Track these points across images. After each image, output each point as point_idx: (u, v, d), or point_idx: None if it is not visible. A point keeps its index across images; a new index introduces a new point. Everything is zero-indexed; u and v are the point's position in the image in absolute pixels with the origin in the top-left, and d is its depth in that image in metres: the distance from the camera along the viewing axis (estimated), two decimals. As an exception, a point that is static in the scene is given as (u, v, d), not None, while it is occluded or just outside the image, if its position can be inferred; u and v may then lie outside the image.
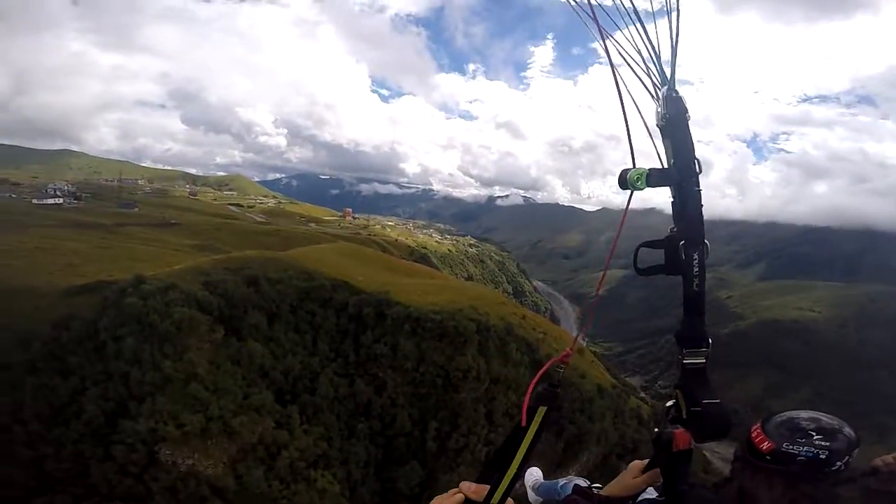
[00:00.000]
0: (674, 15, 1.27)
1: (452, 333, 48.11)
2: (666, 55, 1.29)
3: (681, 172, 1.27)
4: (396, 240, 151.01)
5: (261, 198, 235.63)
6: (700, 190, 1.30)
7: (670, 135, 1.27)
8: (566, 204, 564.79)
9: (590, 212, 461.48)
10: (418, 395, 48.73)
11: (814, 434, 1.49)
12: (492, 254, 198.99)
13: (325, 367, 49.39)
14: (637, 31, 1.28)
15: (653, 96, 1.28)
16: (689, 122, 1.28)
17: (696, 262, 1.30)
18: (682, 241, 1.31)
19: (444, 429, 47.23)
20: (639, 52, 1.29)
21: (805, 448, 1.47)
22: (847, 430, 1.52)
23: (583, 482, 2.64)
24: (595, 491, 1.94)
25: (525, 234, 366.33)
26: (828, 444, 1.47)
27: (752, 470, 1.56)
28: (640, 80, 1.28)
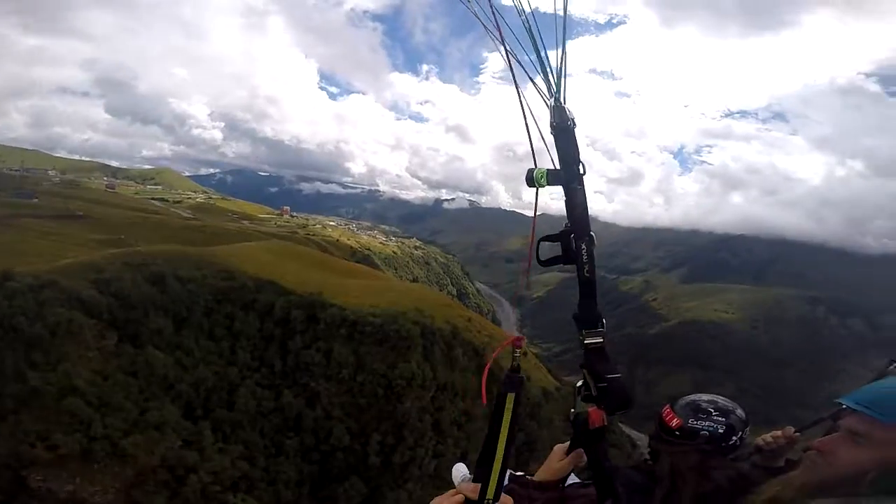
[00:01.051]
0: (559, 30, 1.37)
1: (394, 338, 43.25)
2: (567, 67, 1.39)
3: (567, 174, 1.37)
4: (337, 240, 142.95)
5: (190, 193, 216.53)
6: (582, 189, 1.39)
7: (557, 140, 1.37)
8: (509, 209, 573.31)
9: (530, 216, 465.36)
10: (357, 405, 43.31)
11: (712, 412, 1.81)
12: (437, 256, 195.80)
13: (246, 377, 42.63)
14: (534, 43, 1.37)
15: (547, 105, 1.37)
16: (576, 130, 1.38)
17: (585, 252, 1.39)
18: (573, 234, 1.39)
19: (388, 441, 42.23)
20: (536, 63, 1.38)
21: (706, 423, 1.77)
22: (739, 410, 1.85)
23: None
24: (528, 478, 1.93)
25: (470, 237, 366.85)
26: (724, 420, 1.78)
27: (665, 444, 1.80)
28: (537, 90, 1.38)
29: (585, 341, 1.42)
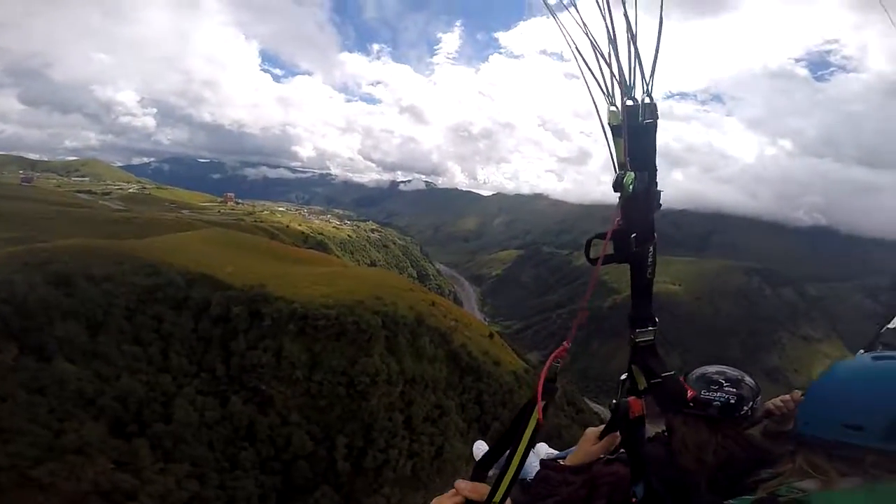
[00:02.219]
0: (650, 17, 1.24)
1: (353, 331, 38.78)
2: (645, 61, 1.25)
3: (651, 175, 1.29)
4: (287, 226, 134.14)
5: (121, 183, 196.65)
6: (661, 191, 1.33)
7: (640, 140, 1.25)
8: (465, 189, 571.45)
9: (485, 196, 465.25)
10: (316, 408, 38.78)
11: (724, 383, 1.79)
12: (395, 238, 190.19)
13: (183, 385, 36.89)
14: (611, 36, 1.21)
15: (606, 95, 1.25)
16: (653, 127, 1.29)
17: (651, 253, 1.36)
18: (634, 234, 1.32)
19: (357, 444, 38.21)
20: (608, 56, 1.24)
21: (718, 394, 1.76)
22: (748, 379, 1.83)
23: (544, 453, 2.92)
24: (560, 462, 1.95)
25: (427, 218, 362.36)
26: (735, 390, 1.78)
27: (682, 416, 1.81)
28: (600, 84, 1.23)
29: (637, 339, 1.43)
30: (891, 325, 2.33)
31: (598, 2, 1.17)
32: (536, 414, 1.22)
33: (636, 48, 1.18)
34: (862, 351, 1.92)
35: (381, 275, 69.36)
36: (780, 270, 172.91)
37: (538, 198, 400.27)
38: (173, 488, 31.65)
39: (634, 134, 1.23)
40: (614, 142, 1.26)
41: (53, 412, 30.52)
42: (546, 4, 1.20)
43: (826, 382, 1.31)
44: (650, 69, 1.21)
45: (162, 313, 37.55)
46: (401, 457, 38.10)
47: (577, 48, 1.20)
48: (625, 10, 1.17)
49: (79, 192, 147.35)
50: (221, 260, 47.21)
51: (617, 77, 1.21)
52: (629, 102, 1.21)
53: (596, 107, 1.23)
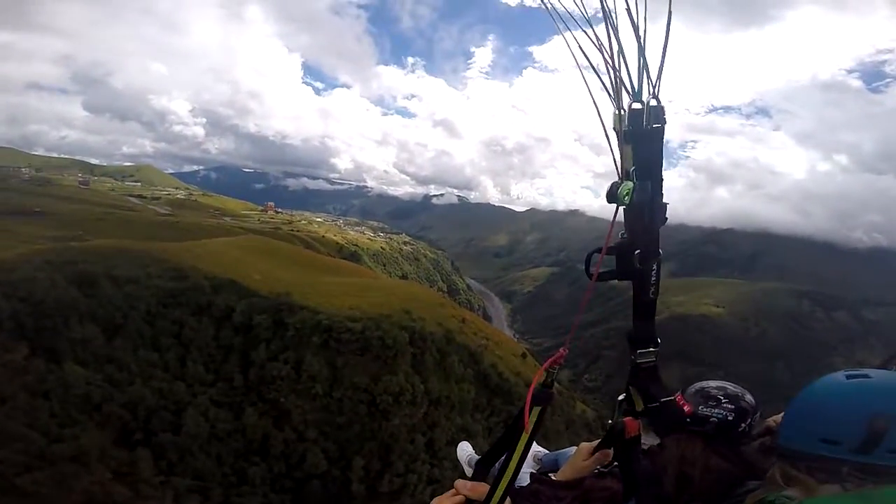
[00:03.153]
0: (659, 20, 1.15)
1: (378, 346, 35.55)
2: (652, 63, 1.17)
3: (654, 186, 1.18)
4: (323, 236, 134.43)
5: (170, 189, 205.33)
6: (668, 203, 1.23)
7: (644, 146, 1.16)
8: (497, 204, 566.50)
9: (518, 212, 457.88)
10: (335, 425, 35.60)
11: (722, 399, 1.71)
12: (426, 252, 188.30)
13: (198, 394, 34.57)
14: (612, 40, 1.14)
15: (612, 100, 1.17)
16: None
17: (655, 271, 1.27)
18: (637, 251, 1.23)
19: (374, 467, 34.74)
20: (612, 59, 1.16)
21: (716, 411, 1.68)
22: (748, 396, 1.74)
23: (535, 453, 2.79)
24: (551, 476, 1.91)
25: (459, 232, 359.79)
26: (733, 407, 1.69)
27: (683, 436, 1.71)
28: (607, 88, 1.16)
29: (638, 361, 1.37)
30: None
31: (602, 2, 1.07)
32: (532, 417, 1.20)
33: (643, 47, 1.09)
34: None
35: (411, 288, 66.28)
36: (833, 293, 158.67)
37: (573, 214, 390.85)
38: (173, 502, 29.22)
39: (639, 140, 1.13)
40: (621, 148, 1.16)
41: (55, 417, 28.70)
42: (544, 4, 1.12)
43: (804, 399, 1.33)
44: (657, 71, 1.11)
45: (183, 318, 35.68)
46: (420, 482, 34.23)
47: (579, 46, 1.11)
48: (627, 6, 1.06)
49: (130, 195, 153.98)
50: (251, 267, 45.43)
51: (622, 79, 1.11)
52: (636, 105, 1.11)
53: (598, 110, 1.13)
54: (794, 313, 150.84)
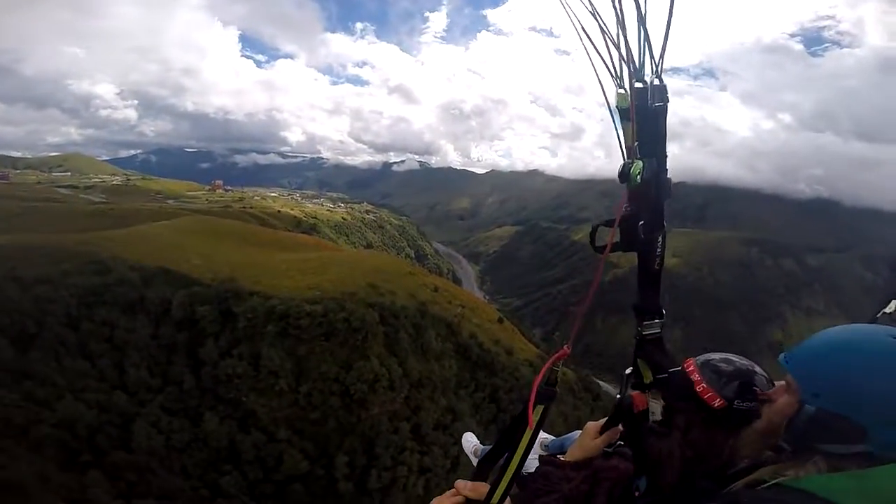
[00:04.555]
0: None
1: (344, 329, 31.77)
2: (655, 43, 1.18)
3: (660, 162, 1.21)
4: (279, 211, 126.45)
5: (104, 176, 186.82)
6: (671, 178, 1.25)
7: (649, 124, 1.18)
8: (459, 167, 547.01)
9: (480, 174, 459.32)
10: (308, 421, 32.13)
11: (734, 375, 1.58)
12: (391, 219, 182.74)
13: (146, 403, 29.99)
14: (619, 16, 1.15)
15: (613, 77, 1.19)
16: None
17: (660, 243, 1.28)
18: (642, 223, 1.24)
19: (359, 462, 31.71)
20: (616, 36, 1.18)
21: (728, 388, 1.56)
22: (758, 369, 1.60)
23: (542, 439, 2.64)
24: (559, 457, 1.85)
25: (422, 198, 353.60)
26: (741, 385, 1.56)
27: (687, 413, 1.64)
28: (608, 65, 1.17)
29: (644, 332, 1.37)
30: (888, 309, 1.97)
31: None
32: (535, 415, 1.21)
33: (645, 28, 1.10)
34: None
35: (375, 258, 61.98)
36: (779, 241, 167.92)
37: (533, 174, 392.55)
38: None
39: (643, 118, 1.15)
40: (622, 126, 1.18)
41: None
42: None
43: (799, 358, 1.25)
44: (660, 49, 1.12)
45: (113, 318, 30.35)
46: (411, 473, 31.76)
47: (582, 28, 1.12)
48: None
49: (59, 186, 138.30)
50: (191, 251, 39.74)
51: (625, 58, 1.13)
52: (638, 85, 1.14)
53: (603, 90, 1.16)
54: (745, 260, 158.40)
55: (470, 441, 3.74)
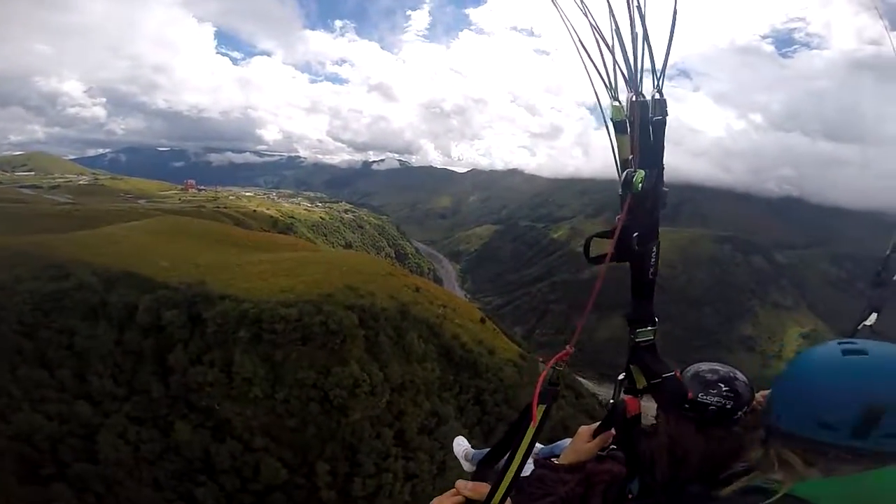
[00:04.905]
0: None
1: (321, 333, 30.66)
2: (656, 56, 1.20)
3: (659, 174, 1.23)
4: (255, 211, 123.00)
5: (71, 176, 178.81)
6: (667, 190, 1.28)
7: (649, 137, 1.20)
8: (439, 166, 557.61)
9: (460, 173, 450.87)
10: (286, 428, 30.87)
11: (722, 386, 1.64)
12: (370, 219, 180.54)
13: (111, 413, 28.28)
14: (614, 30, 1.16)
15: (608, 89, 1.18)
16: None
17: (654, 254, 1.31)
18: (636, 234, 1.26)
19: (341, 470, 30.63)
20: (612, 48, 1.18)
21: (715, 399, 1.63)
22: (741, 376, 1.67)
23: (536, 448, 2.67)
24: (553, 460, 1.92)
25: (402, 197, 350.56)
26: (732, 394, 1.64)
27: (676, 418, 1.70)
28: (603, 77, 1.17)
29: (637, 339, 1.39)
30: (868, 322, 2.03)
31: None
32: (537, 415, 1.21)
33: (648, 41, 1.10)
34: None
35: (353, 258, 60.61)
36: (750, 239, 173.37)
37: (512, 173, 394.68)
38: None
39: (644, 131, 1.16)
40: (617, 138, 1.19)
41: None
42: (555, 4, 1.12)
43: (798, 377, 1.27)
44: (661, 63, 1.12)
45: (73, 325, 28.46)
46: (396, 481, 30.87)
47: (580, 41, 1.11)
48: (628, 4, 1.09)
49: (22, 186, 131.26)
50: (158, 253, 37.79)
51: (623, 71, 1.12)
52: (640, 98, 1.15)
53: (598, 102, 1.17)
54: (717, 258, 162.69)
55: (461, 445, 3.71)
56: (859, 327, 1.99)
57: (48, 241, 34.94)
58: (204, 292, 30.61)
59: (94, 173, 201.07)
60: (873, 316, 2.01)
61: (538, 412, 1.21)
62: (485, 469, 1.37)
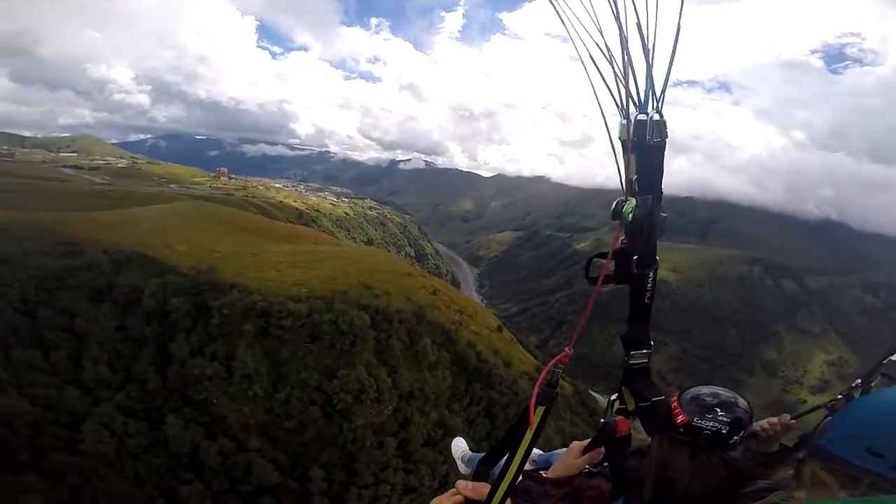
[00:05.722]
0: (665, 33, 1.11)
1: (331, 333, 28.35)
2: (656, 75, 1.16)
3: (654, 200, 1.21)
4: (282, 202, 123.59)
5: (111, 158, 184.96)
6: (666, 216, 1.25)
7: (646, 160, 1.17)
8: (465, 169, 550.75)
9: (485, 177, 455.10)
10: (283, 430, 28.72)
11: (718, 411, 1.63)
12: (393, 217, 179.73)
13: (101, 401, 26.61)
14: (624, 50, 1.12)
15: (620, 111, 1.17)
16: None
17: (651, 278, 1.32)
18: (636, 257, 1.27)
19: (338, 477, 28.23)
20: (622, 68, 1.14)
21: (711, 424, 1.61)
22: (741, 402, 1.66)
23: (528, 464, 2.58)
24: (543, 475, 1.88)
25: (426, 197, 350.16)
26: (729, 420, 1.62)
27: (669, 440, 1.68)
28: (614, 96, 1.14)
29: (630, 361, 1.41)
30: (894, 357, 1.89)
31: (613, 11, 1.06)
32: (536, 416, 1.20)
33: (649, 58, 1.08)
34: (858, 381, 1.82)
35: (373, 256, 58.50)
36: (782, 262, 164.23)
37: (539, 180, 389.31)
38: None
39: (641, 153, 1.14)
40: (624, 157, 1.17)
41: None
42: (557, 12, 1.08)
43: (865, 406, 1.31)
44: (661, 85, 1.10)
45: (76, 306, 26.95)
46: (394, 493, 28.28)
47: (591, 58, 1.08)
48: (637, 20, 1.05)
49: (64, 166, 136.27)
50: (178, 236, 36.36)
51: (630, 90, 1.11)
52: (641, 117, 1.12)
53: (605, 121, 1.14)
54: (745, 279, 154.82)
55: (459, 446, 3.79)
56: (885, 361, 1.81)
57: (67, 218, 33.92)
58: (213, 280, 28.82)
59: (133, 157, 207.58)
60: None
61: (536, 414, 1.17)
62: (484, 469, 1.34)
